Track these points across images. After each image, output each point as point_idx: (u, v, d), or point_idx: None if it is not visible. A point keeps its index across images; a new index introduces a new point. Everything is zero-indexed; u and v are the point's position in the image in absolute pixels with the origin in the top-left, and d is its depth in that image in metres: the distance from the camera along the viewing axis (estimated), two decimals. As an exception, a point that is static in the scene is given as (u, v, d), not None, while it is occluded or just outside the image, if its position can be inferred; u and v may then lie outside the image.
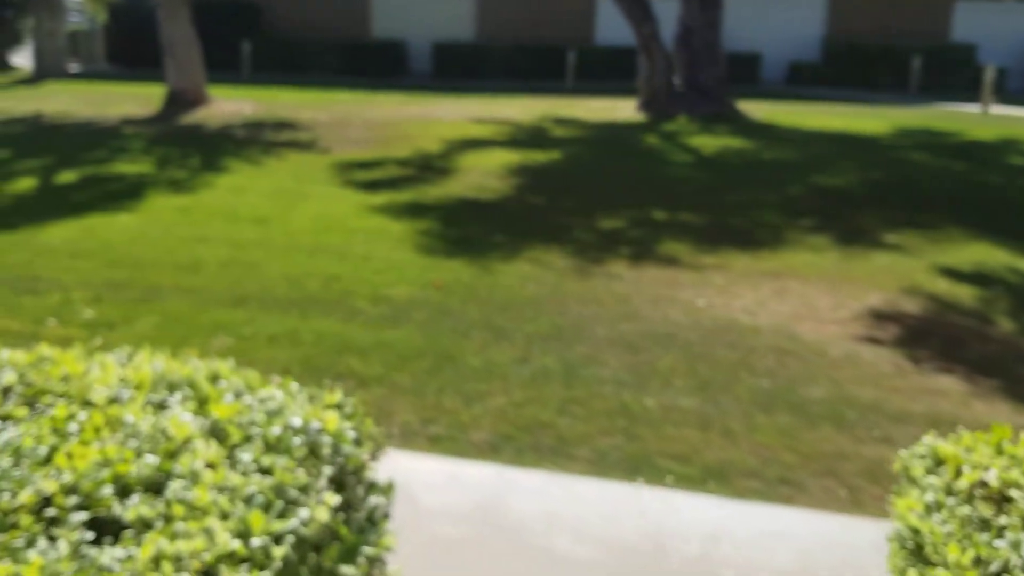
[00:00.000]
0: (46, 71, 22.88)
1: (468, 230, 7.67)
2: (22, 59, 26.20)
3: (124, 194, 8.54)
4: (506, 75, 25.56)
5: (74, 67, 26.39)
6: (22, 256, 6.30)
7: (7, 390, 2.23)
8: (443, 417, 4.15)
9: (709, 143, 12.91)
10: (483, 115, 16.22)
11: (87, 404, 2.16)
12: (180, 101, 15.78)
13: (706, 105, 15.76)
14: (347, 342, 4.97)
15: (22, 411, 2.11)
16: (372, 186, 9.37)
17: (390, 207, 8.40)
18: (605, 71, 25.83)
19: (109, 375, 2.31)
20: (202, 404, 2.20)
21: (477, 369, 4.69)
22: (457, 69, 26.08)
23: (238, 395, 2.23)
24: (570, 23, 27.50)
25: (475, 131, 13.96)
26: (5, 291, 5.56)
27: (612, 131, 14.40)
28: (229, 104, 16.52)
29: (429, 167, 10.64)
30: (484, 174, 10.21)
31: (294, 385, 2.40)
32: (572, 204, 8.87)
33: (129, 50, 26.11)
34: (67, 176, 9.42)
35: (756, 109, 16.39)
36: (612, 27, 27.04)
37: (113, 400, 2.18)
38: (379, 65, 26.41)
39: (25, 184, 8.90)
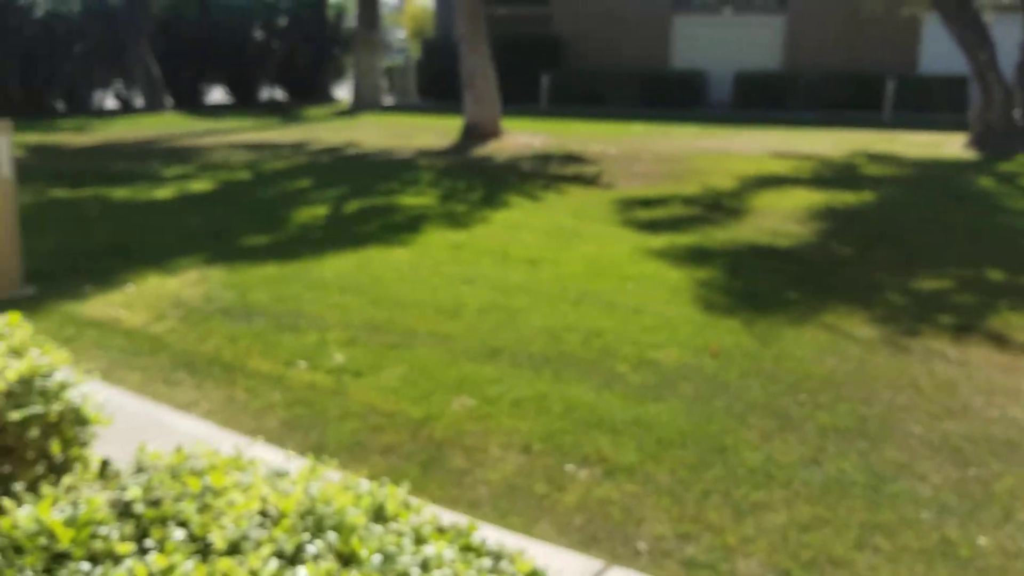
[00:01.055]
0: (362, 104, 24.60)
1: (757, 283, 6.73)
2: (343, 92, 28.45)
3: (404, 227, 8.50)
4: (814, 106, 23.85)
5: (388, 100, 28.27)
6: (294, 289, 6.28)
7: (126, 508, 1.77)
8: (705, 534, 3.32)
9: (1061, 186, 10.86)
10: (785, 149, 14.98)
11: (204, 549, 1.64)
12: (475, 134, 16.07)
13: (1055, 142, 13.45)
14: (600, 416, 4.29)
15: (126, 547, 1.63)
16: (653, 226, 8.67)
17: (669, 251, 7.64)
18: (928, 102, 23.33)
19: (252, 498, 1.79)
20: (345, 562, 1.60)
21: (754, 469, 3.81)
22: (760, 99, 24.75)
23: (388, 558, 1.60)
24: (890, 49, 25.18)
25: (774, 167, 12.83)
26: (268, 327, 5.49)
27: (936, 170, 12.63)
28: (521, 137, 16.59)
29: (718, 206, 9.76)
30: (781, 216, 9.15)
31: (487, 533, 1.74)
32: (885, 257, 7.60)
33: (438, 84, 27.51)
34: (355, 206, 9.63)
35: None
36: (939, 53, 24.46)
37: (235, 546, 1.64)
38: (677, 96, 25.72)
39: (316, 213, 9.18)
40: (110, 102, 23.74)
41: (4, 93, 20.70)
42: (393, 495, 1.84)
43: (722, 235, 8.33)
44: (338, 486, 1.88)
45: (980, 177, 11.96)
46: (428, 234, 8.20)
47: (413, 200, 10.00)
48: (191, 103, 25.01)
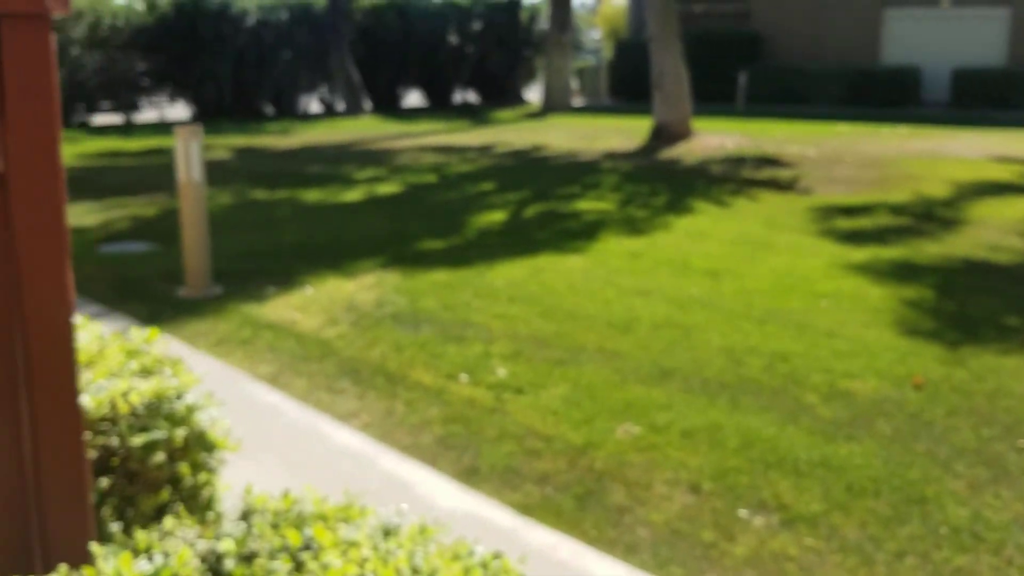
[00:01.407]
0: (552, 105, 24.57)
1: (971, 305, 5.97)
2: (534, 94, 28.55)
3: (581, 233, 8.24)
4: (1043, 105, 21.60)
5: (578, 101, 28.13)
6: (463, 296, 6.16)
7: (216, 563, 1.60)
8: (898, 607, 2.85)
9: None
10: (1008, 153, 13.57)
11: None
12: (664, 135, 15.59)
13: None
14: (781, 453, 3.84)
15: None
16: (853, 238, 7.97)
17: (871, 266, 6.96)
18: None
19: (350, 562, 1.57)
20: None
21: (959, 527, 3.26)
22: (980, 99, 22.72)
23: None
24: None
25: (996, 173, 11.61)
26: (435, 336, 5.38)
27: None
28: (713, 138, 15.95)
29: (930, 216, 8.87)
30: (1002, 229, 8.19)
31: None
32: None
33: (628, 84, 27.08)
34: (533, 210, 9.47)
35: None
36: None
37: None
38: (886, 94, 24.05)
39: (495, 218, 9.08)
40: (314, 106, 24.95)
41: (219, 97, 22.18)
42: (507, 570, 1.57)
43: (933, 249, 7.52)
44: (448, 553, 1.63)
45: None
46: (605, 241, 7.90)
47: (592, 205, 9.73)
48: (388, 106, 25.89)
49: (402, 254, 7.43)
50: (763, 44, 26.88)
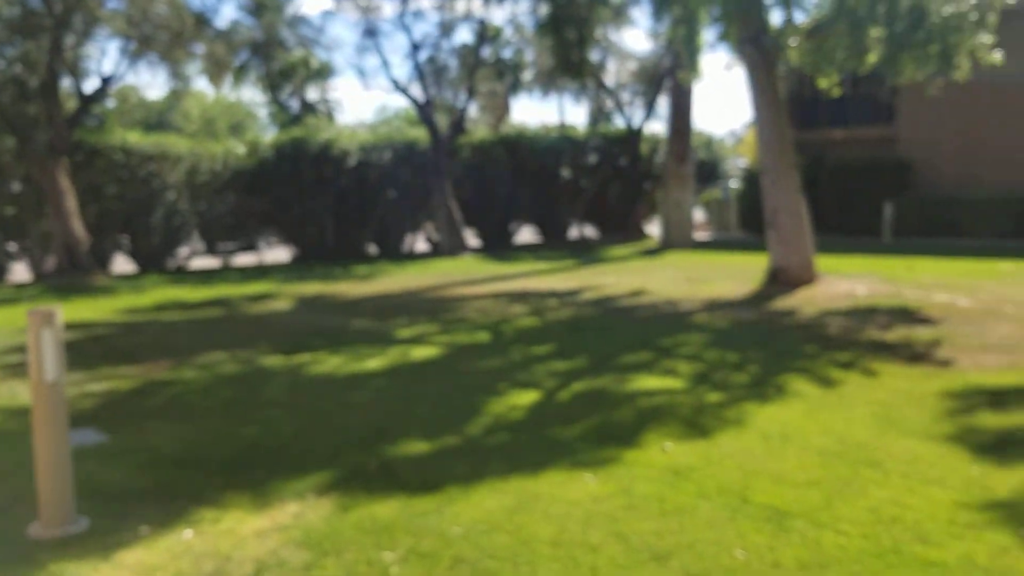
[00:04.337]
0: (671, 240, 22.69)
1: None
2: (657, 228, 26.78)
3: (619, 432, 6.19)
4: None
5: (705, 235, 26.12)
6: (390, 555, 4.22)
7: None
8: None
9: None
10: None
11: None
12: (780, 280, 13.39)
13: None
14: None
15: None
16: (1001, 448, 5.55)
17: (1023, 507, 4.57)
18: None
19: None
20: None
21: None
22: None
23: None
24: None
25: None
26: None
27: None
28: (842, 283, 13.59)
29: (1122, 411, 6.30)
30: None
31: None
32: None
33: (758, 216, 24.86)
34: (577, 389, 7.48)
35: None
36: None
37: None
38: (1059, 224, 20.88)
39: (522, 400, 7.16)
40: (420, 245, 24.04)
41: (321, 239, 21.55)
42: None
43: None
44: None
45: None
46: (646, 448, 5.80)
47: (658, 382, 7.65)
48: (500, 243, 24.70)
49: (362, 466, 5.60)
50: (911, 171, 24.22)
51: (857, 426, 6.14)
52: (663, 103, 28.12)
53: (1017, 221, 21.32)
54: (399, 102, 71.09)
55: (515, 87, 27.17)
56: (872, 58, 12.87)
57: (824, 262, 15.58)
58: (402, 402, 7.25)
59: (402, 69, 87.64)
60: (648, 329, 10.45)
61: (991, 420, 6.20)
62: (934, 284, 13.61)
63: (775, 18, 14.27)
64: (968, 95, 21.77)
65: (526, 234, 26.35)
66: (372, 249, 22.82)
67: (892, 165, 24.19)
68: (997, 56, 12.83)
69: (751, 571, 3.95)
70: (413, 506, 4.85)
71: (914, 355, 8.44)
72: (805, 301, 12.21)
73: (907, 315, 10.76)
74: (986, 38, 12.57)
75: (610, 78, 30.89)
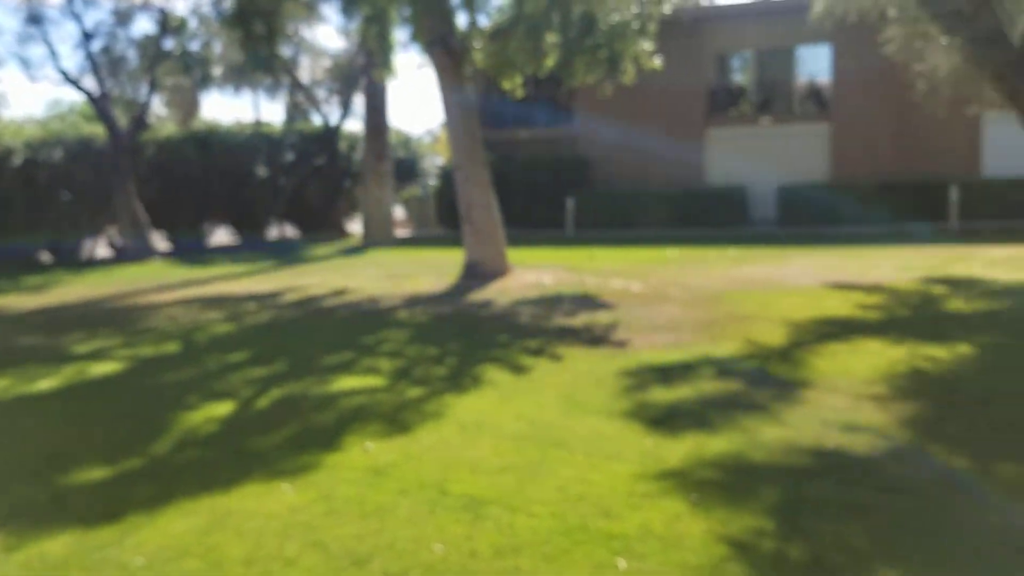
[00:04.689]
0: (373, 238, 22.76)
1: (829, 546, 4.11)
2: (359, 225, 26.74)
3: (320, 436, 6.08)
4: (866, 219, 21.40)
5: (407, 231, 26.47)
6: (69, 592, 3.83)
7: None
8: None
9: None
10: (844, 278, 12.49)
11: None
12: (476, 273, 13.86)
13: None
14: None
15: None
16: (670, 420, 6.13)
17: (691, 474, 5.07)
18: (998, 208, 20.83)
19: None
20: None
21: None
22: (807, 215, 22.43)
23: None
24: (949, 153, 22.80)
25: (834, 305, 10.31)
26: None
27: (1044, 302, 9.99)
28: (530, 274, 14.33)
29: (765, 379, 7.21)
30: (852, 392, 6.58)
31: None
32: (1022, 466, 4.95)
33: (456, 212, 25.67)
34: (275, 396, 7.26)
35: None
36: (1004, 154, 22.07)
37: None
38: (715, 214, 23.52)
39: (215, 412, 6.82)
40: (102, 250, 22.16)
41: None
42: None
43: (771, 433, 5.75)
44: None
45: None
46: (347, 450, 5.75)
47: (357, 382, 7.62)
48: (192, 246, 23.38)
49: (31, 500, 5.05)
50: (590, 167, 26.16)
51: (546, 409, 6.50)
52: (360, 101, 28.09)
53: (678, 210, 23.72)
54: (74, 96, 64.98)
55: (204, 81, 25.78)
56: (550, 62, 13.69)
57: (515, 254, 16.34)
58: (78, 425, 6.63)
59: (73, 60, 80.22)
60: (350, 328, 10.39)
61: (661, 395, 6.82)
62: (611, 271, 14.76)
63: (461, 21, 14.73)
64: (635, 97, 23.85)
65: (222, 235, 25.15)
66: (45, 257, 20.66)
67: (573, 163, 25.97)
68: (657, 62, 14.15)
69: (449, 564, 4.03)
70: (90, 539, 4.44)
71: (595, 338, 9.09)
72: (499, 292, 12.74)
73: (588, 301, 11.57)
74: (647, 45, 13.82)
75: (305, 75, 30.32)
